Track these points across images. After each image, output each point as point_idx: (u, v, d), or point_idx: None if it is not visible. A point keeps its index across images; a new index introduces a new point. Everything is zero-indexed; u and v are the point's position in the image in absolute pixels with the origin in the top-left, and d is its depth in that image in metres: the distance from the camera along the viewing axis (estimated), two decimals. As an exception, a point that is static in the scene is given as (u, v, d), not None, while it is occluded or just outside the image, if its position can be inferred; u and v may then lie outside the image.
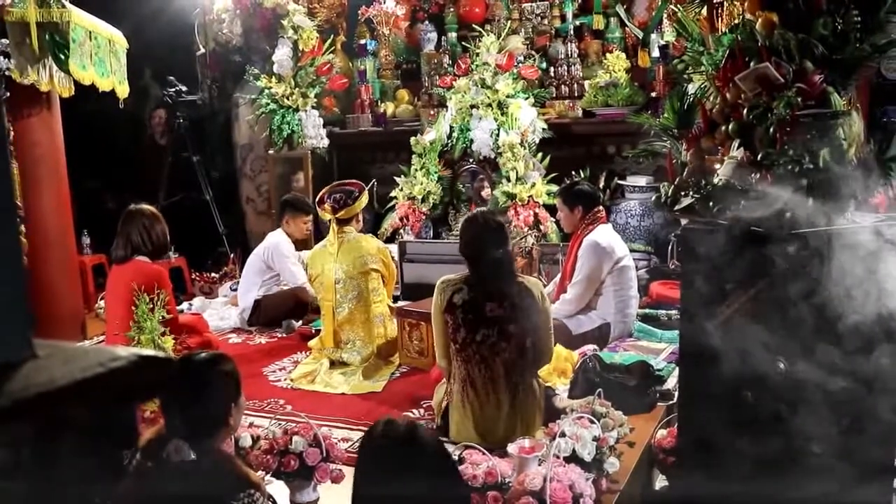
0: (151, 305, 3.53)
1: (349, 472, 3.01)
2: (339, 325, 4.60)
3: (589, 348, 4.30)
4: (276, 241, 5.63)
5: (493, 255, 3.31)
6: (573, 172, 6.02)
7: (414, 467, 1.88)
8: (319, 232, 6.64)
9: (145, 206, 4.38)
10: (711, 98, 2.94)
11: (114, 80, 4.05)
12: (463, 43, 6.95)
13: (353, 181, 4.88)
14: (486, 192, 6.34)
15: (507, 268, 3.37)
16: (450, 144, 6.45)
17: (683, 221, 2.69)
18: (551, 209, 5.70)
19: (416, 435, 1.95)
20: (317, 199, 4.78)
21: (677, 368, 3.52)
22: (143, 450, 2.19)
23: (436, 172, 6.45)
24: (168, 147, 7.29)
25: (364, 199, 4.73)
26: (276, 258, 5.58)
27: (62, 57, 3.61)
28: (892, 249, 2.28)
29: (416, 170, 6.49)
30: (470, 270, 3.39)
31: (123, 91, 4.17)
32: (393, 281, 4.89)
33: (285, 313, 5.49)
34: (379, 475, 1.88)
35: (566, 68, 6.67)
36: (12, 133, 3.81)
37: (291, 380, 4.49)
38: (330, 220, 4.69)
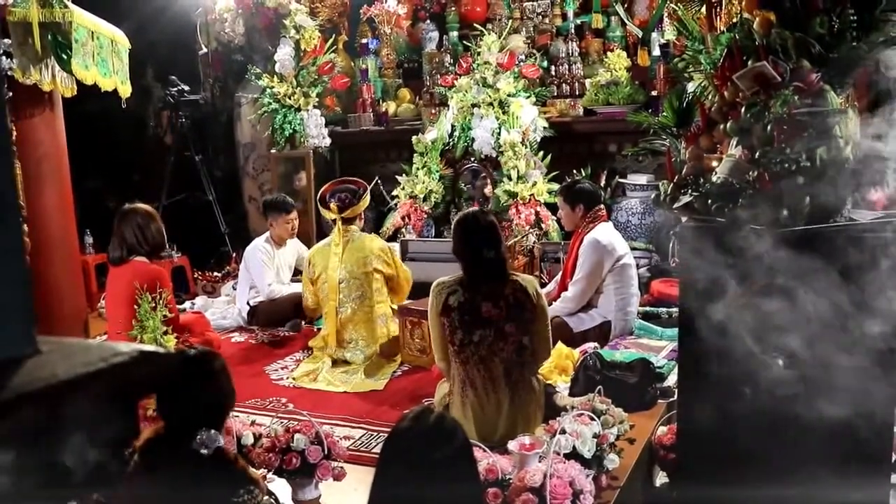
0: (153, 305, 3.55)
1: (351, 469, 3.03)
2: (342, 324, 4.61)
3: (590, 346, 4.32)
4: (251, 248, 5.60)
5: (485, 255, 3.28)
6: (574, 171, 6.03)
7: (444, 454, 1.88)
8: (321, 229, 6.66)
9: (140, 205, 4.34)
10: (710, 97, 2.96)
11: (116, 79, 4.05)
12: (464, 42, 6.95)
13: (355, 179, 4.88)
14: (487, 191, 6.35)
15: (500, 267, 3.33)
16: (451, 143, 6.46)
17: (683, 219, 2.70)
18: (552, 208, 5.71)
19: (447, 422, 1.96)
20: (318, 198, 4.78)
21: (677, 366, 3.53)
22: (143, 448, 2.20)
23: (437, 171, 6.46)
24: (170, 146, 7.32)
25: (367, 198, 4.74)
26: (251, 266, 5.56)
27: (64, 57, 3.62)
28: (889, 247, 2.30)
29: (418, 169, 6.50)
30: (463, 271, 3.36)
31: (126, 91, 4.17)
32: (404, 280, 4.80)
33: (284, 319, 5.49)
34: (410, 461, 1.88)
35: (567, 67, 6.68)
36: (15, 133, 3.82)
37: (293, 378, 4.51)
38: (334, 220, 4.69)
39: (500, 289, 3.30)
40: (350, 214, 4.61)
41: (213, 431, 2.15)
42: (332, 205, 4.62)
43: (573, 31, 6.83)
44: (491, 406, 3.32)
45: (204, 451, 2.11)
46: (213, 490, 2.12)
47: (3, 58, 3.62)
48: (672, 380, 3.88)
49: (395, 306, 4.79)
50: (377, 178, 5.18)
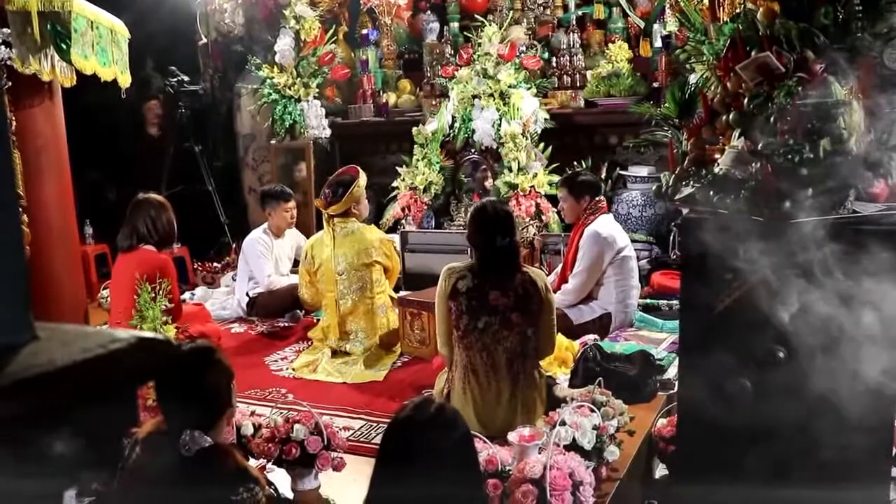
0: (153, 294, 3.54)
1: (350, 460, 3.03)
2: (343, 316, 4.60)
3: (590, 338, 4.31)
4: (249, 240, 5.58)
5: (499, 243, 3.34)
6: (575, 163, 6.02)
7: (445, 445, 1.88)
8: (321, 220, 6.65)
9: (153, 196, 4.38)
10: (713, 87, 2.94)
11: (116, 69, 4.03)
12: (465, 33, 6.93)
13: (351, 167, 4.80)
14: (488, 183, 6.34)
15: (512, 258, 3.40)
16: (452, 134, 6.44)
17: (684, 211, 2.69)
18: (553, 199, 5.70)
19: (448, 412, 1.96)
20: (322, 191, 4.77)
21: (678, 358, 3.52)
22: (143, 442, 2.19)
23: (438, 162, 6.45)
24: (170, 137, 7.29)
25: (361, 186, 4.66)
26: (249, 258, 5.55)
27: (64, 46, 3.60)
28: (890, 239, 2.28)
29: (418, 160, 6.49)
30: (476, 258, 3.43)
31: (125, 81, 4.15)
32: (396, 272, 4.87)
33: (283, 310, 5.49)
34: (410, 451, 1.87)
35: (568, 58, 6.66)
36: (14, 123, 3.81)
37: (293, 369, 4.51)
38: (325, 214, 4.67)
39: (509, 278, 3.33)
40: (335, 211, 4.57)
41: (197, 433, 2.13)
42: (318, 200, 4.62)
43: (574, 22, 6.82)
44: (491, 394, 3.33)
45: (186, 453, 2.10)
46: (213, 487, 2.11)
47: (3, 47, 3.61)
48: (672, 372, 3.88)
49: (393, 295, 4.78)
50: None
